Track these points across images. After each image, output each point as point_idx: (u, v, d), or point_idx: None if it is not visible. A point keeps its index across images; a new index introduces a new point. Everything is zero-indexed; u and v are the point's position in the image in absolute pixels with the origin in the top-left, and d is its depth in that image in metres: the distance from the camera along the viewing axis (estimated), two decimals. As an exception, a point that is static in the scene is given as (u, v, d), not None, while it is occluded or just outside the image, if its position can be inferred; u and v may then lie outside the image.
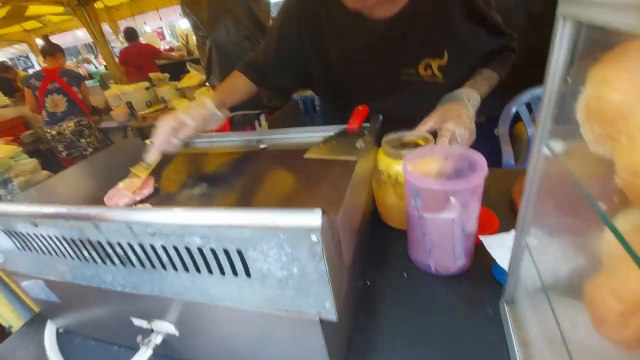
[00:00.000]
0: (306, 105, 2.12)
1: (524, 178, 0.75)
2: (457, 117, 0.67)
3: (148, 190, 0.68)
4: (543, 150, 0.36)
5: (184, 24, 6.58)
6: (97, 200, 0.69)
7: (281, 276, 0.34)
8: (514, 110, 1.72)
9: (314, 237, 0.30)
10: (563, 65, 0.31)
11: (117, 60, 4.62)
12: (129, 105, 3.31)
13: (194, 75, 3.24)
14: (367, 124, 0.77)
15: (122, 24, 6.25)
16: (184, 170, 0.77)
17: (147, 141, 0.72)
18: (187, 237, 0.35)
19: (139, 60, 4.24)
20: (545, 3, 2.48)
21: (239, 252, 0.34)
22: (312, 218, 0.29)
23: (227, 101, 0.85)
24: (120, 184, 0.70)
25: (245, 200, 0.60)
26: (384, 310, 0.54)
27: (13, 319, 0.71)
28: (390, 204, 0.67)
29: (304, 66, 0.89)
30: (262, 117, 2.18)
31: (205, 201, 0.62)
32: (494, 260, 0.57)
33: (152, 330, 0.49)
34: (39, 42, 7.30)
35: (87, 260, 0.44)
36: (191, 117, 0.74)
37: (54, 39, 7.80)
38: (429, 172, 0.60)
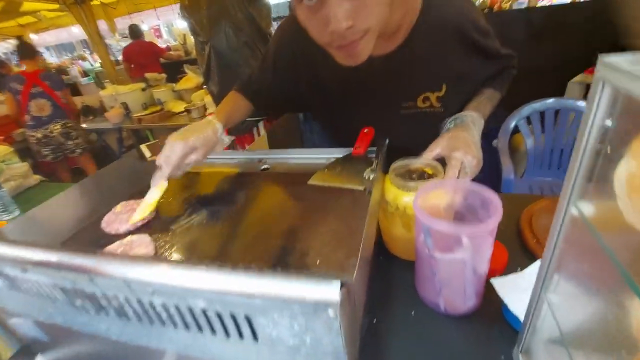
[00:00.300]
0: (306, 114, 2.10)
1: (533, 207, 0.74)
2: (465, 146, 0.66)
3: (149, 215, 0.65)
4: (571, 211, 0.34)
5: (182, 24, 6.52)
6: (96, 224, 0.66)
7: (292, 344, 0.32)
8: (513, 124, 1.71)
9: (331, 313, 0.27)
10: (598, 127, 0.29)
11: (112, 58, 4.56)
12: (125, 106, 3.26)
13: (191, 78, 3.21)
14: (373, 148, 0.75)
15: (119, 22, 6.18)
16: (182, 192, 0.74)
17: (157, 162, 0.68)
18: (190, 299, 0.32)
19: (142, 59, 4.22)
20: (545, 17, 2.49)
21: (247, 318, 0.31)
22: (330, 291, 0.27)
23: (229, 122, 0.83)
24: (118, 207, 0.67)
25: (247, 233, 0.57)
26: (392, 353, 0.52)
27: (1, 348, 0.67)
28: (397, 235, 0.65)
29: (300, 95, 0.89)
30: (261, 124, 2.15)
31: (205, 231, 0.59)
32: (504, 302, 0.55)
33: (147, 377, 0.47)
34: (34, 37, 7.20)
35: (79, 308, 0.41)
36: (202, 143, 0.70)
37: (50, 34, 7.70)
38: (439, 205, 0.58)
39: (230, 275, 0.30)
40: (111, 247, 0.57)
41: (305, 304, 0.28)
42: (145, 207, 0.64)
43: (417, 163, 0.67)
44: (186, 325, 0.35)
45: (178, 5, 1.87)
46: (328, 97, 0.85)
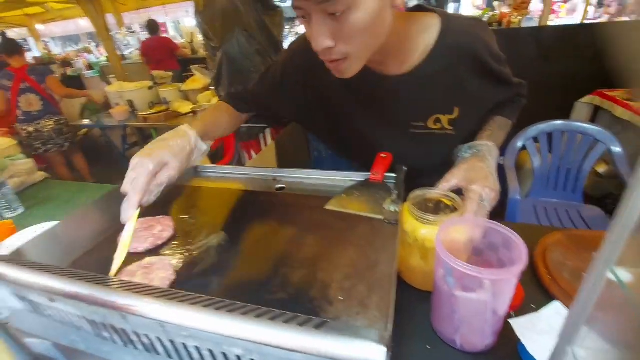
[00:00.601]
0: (314, 122, 2.10)
1: (546, 240, 0.74)
2: (483, 178, 0.66)
3: (168, 233, 0.65)
4: (607, 275, 0.34)
5: (190, 22, 6.53)
6: (111, 240, 0.66)
7: (326, 396, 0.32)
8: (520, 145, 1.72)
9: (373, 375, 0.27)
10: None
11: (118, 53, 4.57)
12: (130, 103, 3.25)
13: (199, 79, 3.20)
14: (391, 174, 0.75)
15: (127, 17, 6.17)
16: (198, 210, 0.74)
17: (122, 189, 0.57)
18: (226, 346, 0.32)
19: (158, 54, 4.30)
20: (555, 36, 2.51)
21: (283, 369, 0.31)
22: (375, 354, 0.27)
23: (210, 133, 0.79)
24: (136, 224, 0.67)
25: (267, 259, 0.57)
26: (407, 389, 0.52)
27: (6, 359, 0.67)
28: (414, 266, 0.65)
29: (304, 113, 0.90)
30: (268, 132, 2.16)
31: (223, 255, 0.59)
32: (520, 341, 0.55)
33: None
34: (40, 27, 7.18)
35: (106, 340, 0.41)
36: (174, 155, 0.61)
37: (57, 25, 7.68)
38: (459, 240, 0.59)
39: (271, 328, 0.30)
40: (130, 269, 0.57)
41: (347, 363, 0.28)
42: (123, 250, 0.56)
43: (434, 193, 0.67)
44: (217, 368, 0.35)
45: (186, 3, 1.87)
46: (335, 112, 0.85)
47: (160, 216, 0.69)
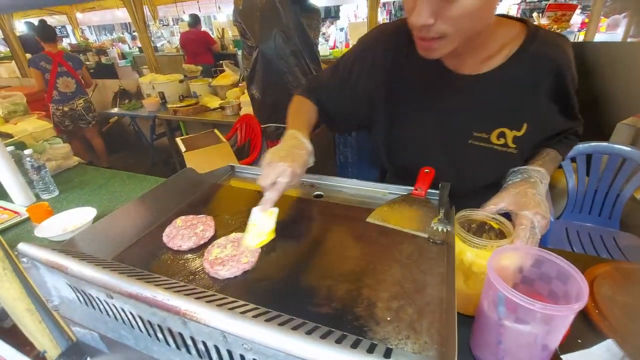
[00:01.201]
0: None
1: (593, 270, 0.71)
2: (535, 204, 0.63)
3: (209, 233, 0.66)
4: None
5: (221, 18, 6.64)
6: (153, 235, 0.67)
7: None
8: (557, 164, 1.66)
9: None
10: None
11: (153, 45, 4.71)
12: (161, 95, 3.33)
13: (229, 75, 3.25)
14: (434, 191, 0.73)
15: (162, 10, 6.34)
16: (237, 211, 0.74)
17: (261, 184, 0.65)
18: (288, 364, 0.32)
19: (195, 47, 4.46)
20: (599, 53, 2.41)
21: (345, 393, 0.31)
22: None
23: (309, 136, 0.79)
24: (178, 221, 0.68)
25: (310, 271, 0.56)
26: (446, 416, 0.51)
27: (48, 344, 0.69)
28: (457, 289, 0.63)
29: (366, 106, 0.86)
30: (296, 132, 2.16)
31: (266, 262, 0.59)
32: (567, 376, 0.53)
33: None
34: (79, 16, 7.46)
35: (158, 340, 0.41)
36: (302, 170, 0.68)
37: (95, 14, 7.97)
38: (508, 267, 0.57)
39: (343, 352, 0.29)
40: (219, 242, 0.62)
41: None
42: (263, 235, 0.63)
43: (481, 215, 0.65)
44: (273, 383, 0.35)
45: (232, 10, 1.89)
46: (398, 105, 0.82)
47: (202, 215, 0.69)
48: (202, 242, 0.63)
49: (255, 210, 0.64)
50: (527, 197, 0.65)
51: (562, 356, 0.52)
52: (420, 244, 0.61)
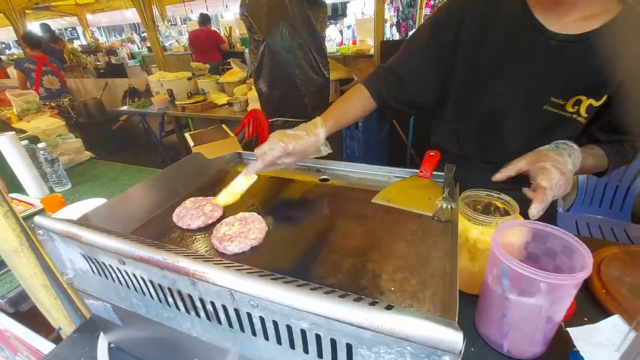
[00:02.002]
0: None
1: (602, 252, 0.70)
2: (554, 161, 0.61)
3: (218, 213, 0.67)
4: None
5: (229, 16, 6.69)
6: (163, 216, 0.69)
7: (389, 378, 0.32)
8: (566, 154, 1.64)
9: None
10: None
11: (162, 44, 4.78)
12: (170, 92, 3.37)
13: (236, 72, 3.27)
14: (439, 173, 0.74)
15: (170, 10, 6.41)
16: (244, 195, 0.75)
17: (255, 152, 0.72)
18: (294, 319, 0.33)
19: (204, 45, 4.51)
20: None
21: (349, 346, 0.32)
22: (452, 340, 0.27)
23: (338, 125, 0.81)
24: (188, 202, 0.69)
25: (316, 246, 0.57)
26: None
27: (63, 321, 0.71)
28: (461, 267, 0.64)
29: (445, 75, 0.82)
30: (303, 126, 2.17)
31: (273, 239, 0.61)
32: (572, 351, 0.53)
33: (214, 375, 0.48)
34: (89, 17, 7.58)
35: (169, 305, 0.43)
36: (299, 150, 0.71)
37: (104, 15, 8.09)
38: (512, 243, 0.57)
39: (344, 305, 0.30)
40: (227, 220, 0.64)
41: (421, 346, 0.28)
42: (233, 195, 0.70)
43: (485, 196, 0.65)
44: (279, 340, 0.36)
45: (239, 7, 1.91)
46: (479, 74, 0.77)
47: (211, 197, 0.71)
48: (210, 222, 0.65)
49: (240, 175, 0.72)
50: (547, 156, 0.62)
51: (568, 329, 0.51)
52: (425, 222, 0.61)
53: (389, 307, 0.30)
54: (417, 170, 0.75)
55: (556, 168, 0.59)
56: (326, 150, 0.77)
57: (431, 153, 0.76)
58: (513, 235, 0.55)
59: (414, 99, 0.85)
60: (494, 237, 0.51)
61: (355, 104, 0.86)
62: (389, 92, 0.85)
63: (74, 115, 3.86)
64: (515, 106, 0.75)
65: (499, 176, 0.65)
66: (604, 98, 0.68)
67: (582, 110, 0.70)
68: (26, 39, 3.70)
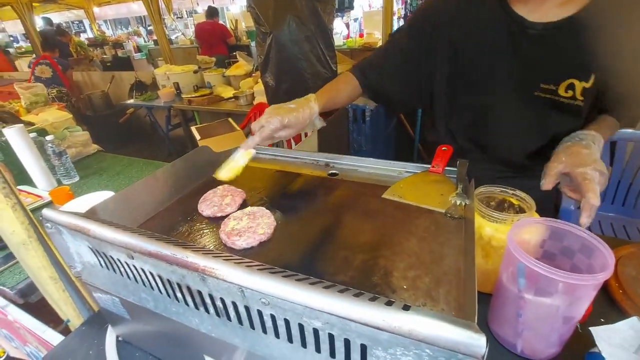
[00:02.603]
0: (356, 113, 2.08)
1: (618, 251, 0.68)
2: (592, 162, 0.60)
3: (231, 208, 0.66)
4: None
5: (235, 9, 6.64)
6: (173, 212, 0.68)
7: (405, 380, 0.30)
8: (579, 150, 1.60)
9: (470, 364, 0.26)
10: None
11: (168, 37, 4.76)
12: (176, 85, 3.37)
13: (242, 65, 3.26)
14: (451, 168, 0.72)
15: (176, 2, 6.38)
16: (252, 188, 0.75)
17: (252, 126, 0.74)
18: (306, 318, 0.32)
19: (209, 38, 4.49)
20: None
21: (363, 347, 0.31)
22: (473, 343, 0.25)
23: (329, 105, 0.84)
24: (219, 189, 0.71)
25: (326, 242, 0.56)
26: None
27: (71, 313, 0.72)
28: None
29: (425, 73, 0.86)
30: (309, 120, 2.15)
31: (283, 235, 0.60)
32: (588, 352, 0.51)
33: (222, 371, 0.48)
34: (96, 10, 7.58)
35: (177, 300, 0.42)
36: (295, 123, 0.73)
37: (111, 8, 8.09)
38: (528, 242, 0.55)
39: (363, 305, 0.29)
40: (236, 214, 0.63)
41: (441, 349, 0.26)
42: (233, 170, 0.71)
43: (500, 192, 0.63)
44: (290, 339, 0.35)
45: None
46: (461, 60, 0.79)
47: (240, 190, 0.72)
48: (219, 215, 0.64)
49: (238, 150, 0.73)
50: (582, 156, 0.62)
51: (591, 328, 0.50)
52: (437, 218, 0.60)
53: (406, 307, 0.29)
54: (429, 166, 0.73)
55: (596, 170, 0.58)
56: (320, 123, 0.81)
57: (443, 148, 0.74)
58: (529, 233, 0.54)
59: (390, 95, 0.93)
60: (510, 235, 0.49)
61: (346, 85, 0.92)
62: (370, 83, 0.92)
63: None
64: (506, 97, 0.76)
65: (547, 185, 0.63)
66: (592, 79, 0.69)
67: (578, 94, 0.71)
68: (42, 44, 4.20)
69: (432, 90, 0.87)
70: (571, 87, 0.70)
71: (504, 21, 0.71)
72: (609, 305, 0.62)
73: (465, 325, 0.26)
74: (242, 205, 0.68)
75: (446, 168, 0.72)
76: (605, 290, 0.64)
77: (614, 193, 1.61)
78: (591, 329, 0.49)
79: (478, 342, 0.25)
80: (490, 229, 0.58)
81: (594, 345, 0.50)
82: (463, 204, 0.60)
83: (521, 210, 0.61)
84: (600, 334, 0.49)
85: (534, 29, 0.70)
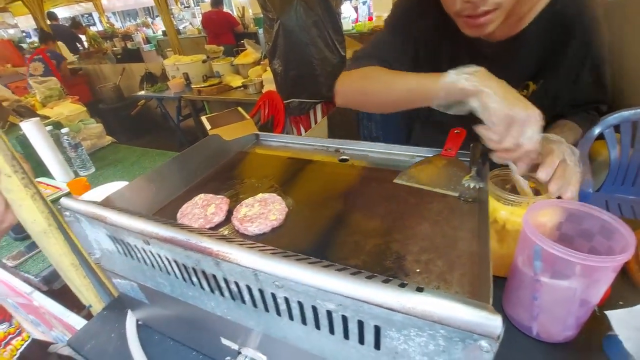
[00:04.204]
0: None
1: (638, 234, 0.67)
2: (560, 142, 0.59)
3: (219, 218, 0.60)
4: None
5: (241, -4, 6.55)
6: (184, 199, 0.69)
7: (418, 360, 0.31)
8: (597, 132, 1.55)
9: (484, 345, 0.26)
10: None
11: (176, 27, 4.75)
12: (186, 76, 3.38)
13: (250, 53, 3.24)
14: (464, 152, 0.71)
15: (182, -9, 6.31)
16: (263, 175, 0.75)
17: None
18: (320, 300, 0.32)
19: (216, 27, 4.47)
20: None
21: (377, 328, 0.31)
22: (489, 323, 0.25)
23: None
24: (198, 198, 0.65)
25: (337, 227, 0.56)
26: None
27: (92, 299, 0.74)
28: (487, 248, 0.61)
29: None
30: (319, 107, 2.14)
31: (294, 220, 0.60)
32: (606, 335, 0.51)
33: (239, 353, 0.49)
34: (104, 2, 7.60)
35: (193, 284, 0.43)
36: None
37: (119, 0, 8.10)
38: (545, 224, 0.54)
39: (376, 286, 0.29)
40: (247, 201, 0.62)
41: (455, 329, 0.26)
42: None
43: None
44: (304, 321, 0.36)
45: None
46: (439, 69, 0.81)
47: (221, 196, 0.66)
48: (208, 227, 0.59)
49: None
50: (552, 142, 0.60)
51: (606, 312, 0.49)
52: (451, 202, 0.59)
53: (419, 289, 0.29)
54: (441, 149, 0.72)
55: (562, 145, 0.58)
56: None
57: (456, 131, 0.73)
58: (546, 215, 0.53)
59: None
60: (526, 218, 0.48)
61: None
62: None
63: None
64: None
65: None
66: (540, 82, 0.76)
67: (529, 93, 0.78)
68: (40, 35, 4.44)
69: None
70: (526, 87, 0.77)
71: (463, 40, 0.71)
72: (628, 288, 0.60)
73: (481, 306, 0.26)
74: (228, 212, 0.62)
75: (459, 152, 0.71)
76: (624, 273, 0.62)
77: (634, 175, 1.56)
78: (608, 312, 0.48)
79: (494, 322, 0.25)
80: (505, 212, 0.57)
81: (611, 328, 0.49)
82: (477, 187, 0.59)
83: (537, 193, 0.59)
84: (618, 317, 0.48)
85: (490, 49, 0.75)
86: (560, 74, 0.76)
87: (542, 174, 0.54)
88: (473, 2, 0.59)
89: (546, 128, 0.73)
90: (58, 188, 1.50)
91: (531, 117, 0.52)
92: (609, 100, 0.84)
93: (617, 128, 1.55)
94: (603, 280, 0.46)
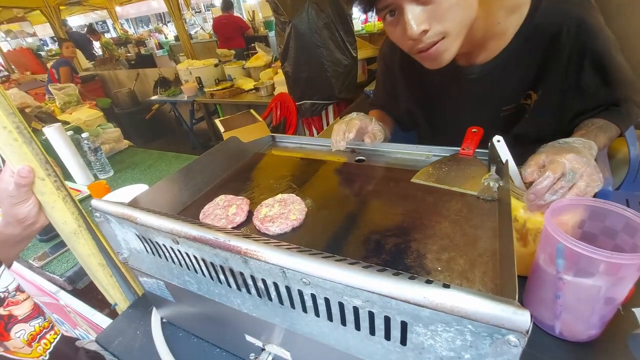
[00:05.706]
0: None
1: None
2: (576, 152, 0.54)
3: (240, 218, 0.62)
4: None
5: (252, 0, 6.62)
6: (207, 200, 0.71)
7: (445, 355, 0.31)
8: (616, 129, 1.52)
9: (513, 340, 0.26)
10: None
11: (188, 32, 4.84)
12: (198, 80, 3.43)
13: (261, 56, 3.27)
14: (483, 150, 0.70)
15: (192, -3, 6.42)
16: (281, 176, 0.76)
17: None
18: (347, 296, 0.33)
19: (226, 32, 4.54)
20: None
21: (403, 324, 0.31)
22: (518, 318, 0.26)
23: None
24: (219, 199, 0.67)
25: (356, 226, 0.57)
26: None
27: (118, 297, 0.77)
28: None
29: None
30: (331, 108, 2.15)
31: (314, 220, 0.61)
32: (632, 334, 0.50)
33: (263, 349, 0.50)
34: (118, 9, 7.78)
35: (220, 282, 0.45)
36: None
37: (132, 7, 8.29)
38: (567, 222, 0.54)
39: (404, 283, 0.30)
40: (267, 202, 0.64)
41: (483, 324, 0.27)
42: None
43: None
44: (330, 317, 0.37)
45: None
46: (431, 104, 0.90)
47: (242, 197, 0.68)
48: (230, 227, 0.61)
49: None
50: (564, 149, 0.56)
51: (634, 309, 0.49)
52: (470, 201, 0.59)
53: (445, 286, 0.29)
54: (458, 148, 0.72)
55: (573, 161, 0.53)
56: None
57: (473, 130, 0.73)
58: (568, 213, 0.52)
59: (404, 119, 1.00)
60: (548, 216, 0.48)
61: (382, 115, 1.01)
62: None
63: None
64: (477, 120, 0.77)
65: (528, 177, 0.58)
66: (539, 92, 0.75)
67: (533, 102, 0.77)
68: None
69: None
70: (529, 96, 0.77)
71: (449, 70, 0.72)
72: (653, 287, 0.59)
73: (508, 302, 0.27)
74: (249, 213, 0.64)
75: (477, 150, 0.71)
76: (649, 272, 0.61)
77: (657, 173, 1.52)
78: (634, 310, 0.48)
79: (522, 317, 0.26)
80: (525, 210, 0.57)
81: (637, 327, 0.49)
82: (497, 185, 0.59)
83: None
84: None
85: (474, 74, 0.78)
86: (557, 81, 0.71)
87: (531, 193, 0.53)
88: (415, 39, 0.61)
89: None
90: (79, 191, 1.54)
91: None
92: (632, 95, 0.73)
93: (637, 125, 1.51)
94: (628, 278, 0.45)
